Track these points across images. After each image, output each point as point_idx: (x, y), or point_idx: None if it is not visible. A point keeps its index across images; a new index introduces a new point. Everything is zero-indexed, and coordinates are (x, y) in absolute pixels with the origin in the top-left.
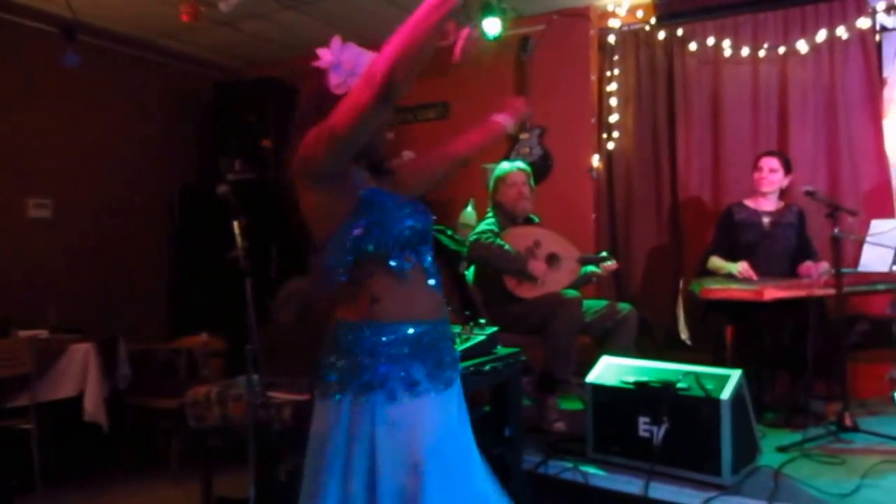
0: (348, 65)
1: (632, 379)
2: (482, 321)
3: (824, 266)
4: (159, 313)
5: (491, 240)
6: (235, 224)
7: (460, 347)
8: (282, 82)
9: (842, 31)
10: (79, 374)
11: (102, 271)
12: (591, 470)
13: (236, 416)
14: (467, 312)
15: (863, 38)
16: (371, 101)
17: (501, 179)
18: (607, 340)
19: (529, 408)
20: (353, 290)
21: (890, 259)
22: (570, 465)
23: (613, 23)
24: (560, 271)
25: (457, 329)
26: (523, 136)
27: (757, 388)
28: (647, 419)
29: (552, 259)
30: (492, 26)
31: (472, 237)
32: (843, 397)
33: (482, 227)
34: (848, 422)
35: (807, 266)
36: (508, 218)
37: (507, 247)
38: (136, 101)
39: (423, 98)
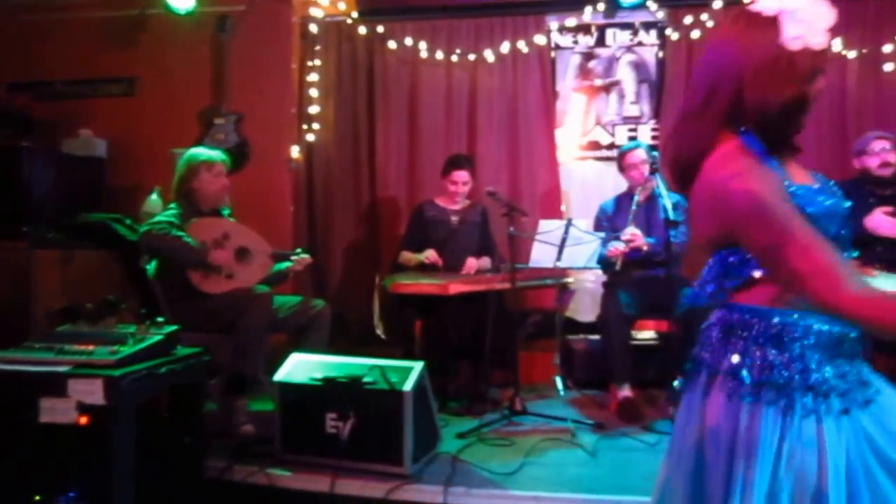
0: (806, 13)
1: (320, 375)
2: (160, 319)
3: (484, 261)
4: None
5: (165, 230)
6: None
7: (130, 350)
8: None
9: (523, 46)
10: None
11: None
12: (277, 472)
13: None
14: (144, 310)
15: (540, 53)
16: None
17: (206, 166)
18: (301, 337)
19: (216, 411)
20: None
21: (554, 255)
22: (255, 468)
23: (316, 12)
24: (251, 266)
25: (131, 329)
26: (218, 121)
27: (442, 378)
28: (334, 415)
29: (242, 253)
30: None
31: (144, 227)
32: (515, 384)
33: (159, 217)
34: (518, 406)
35: (468, 261)
36: (196, 209)
37: (185, 238)
38: None
39: (106, 71)
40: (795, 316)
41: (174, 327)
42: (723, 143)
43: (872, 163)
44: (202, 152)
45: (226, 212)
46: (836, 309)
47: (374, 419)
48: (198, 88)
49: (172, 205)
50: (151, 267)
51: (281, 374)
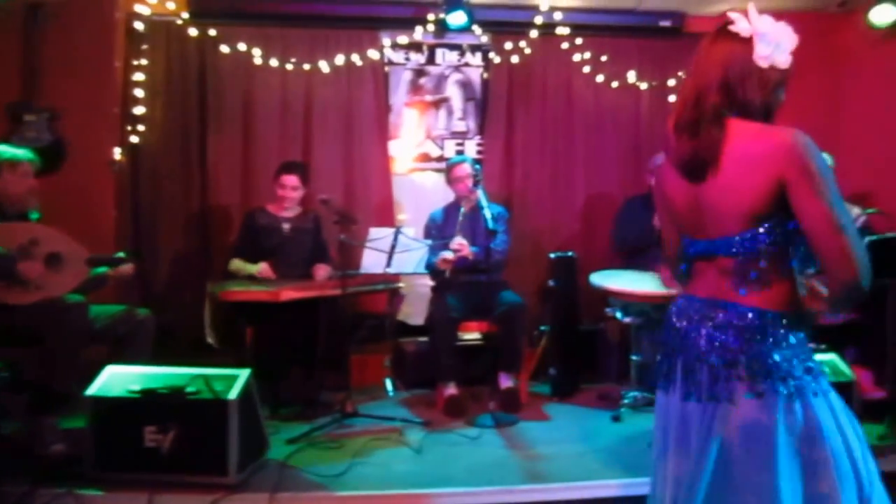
0: (773, 38)
1: (138, 388)
2: None
3: (329, 268)
4: None
5: None
6: None
7: None
8: None
9: (357, 59)
10: None
11: None
12: (87, 492)
13: None
14: None
15: (374, 67)
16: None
17: (9, 166)
18: (122, 348)
19: (22, 431)
20: (773, 277)
21: (384, 262)
22: (62, 490)
23: (142, 9)
24: (63, 273)
25: None
26: (29, 117)
27: (274, 384)
28: (153, 428)
29: (53, 260)
30: None
31: None
32: (346, 387)
33: None
34: (349, 408)
35: (317, 268)
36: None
37: None
38: None
39: None
40: (800, 315)
41: None
42: (738, 124)
43: None
44: (6, 150)
45: (34, 216)
46: (856, 269)
47: (197, 430)
48: (5, 82)
49: None
50: None
51: (93, 389)
